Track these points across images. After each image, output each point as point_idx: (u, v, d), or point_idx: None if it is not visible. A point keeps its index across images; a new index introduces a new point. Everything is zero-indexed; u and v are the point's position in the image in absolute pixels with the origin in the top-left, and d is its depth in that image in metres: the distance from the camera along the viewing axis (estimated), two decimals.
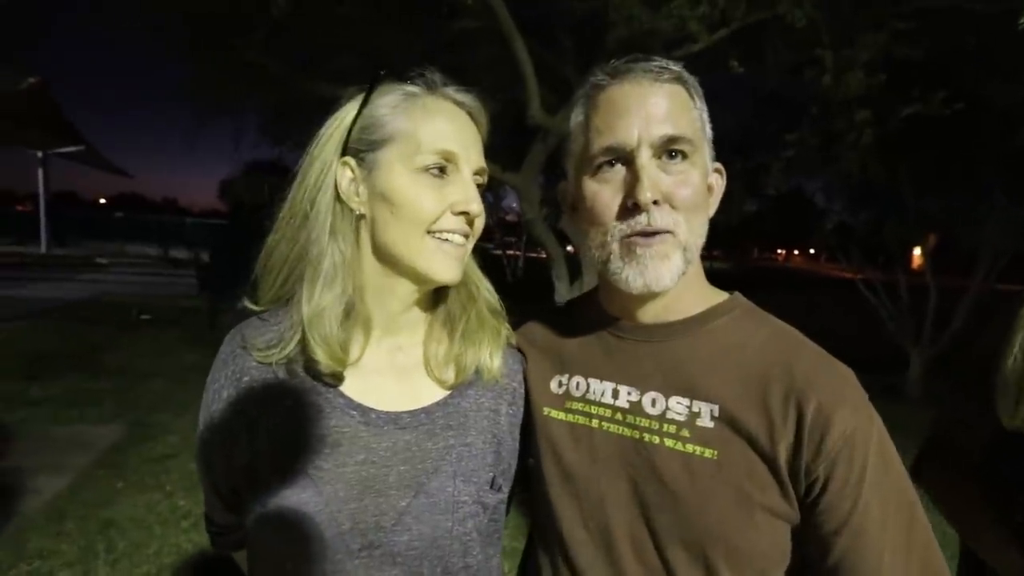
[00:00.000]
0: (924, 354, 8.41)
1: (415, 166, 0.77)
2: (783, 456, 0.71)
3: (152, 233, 24.47)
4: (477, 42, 5.29)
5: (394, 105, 0.80)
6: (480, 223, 0.83)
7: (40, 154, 17.26)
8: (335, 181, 0.80)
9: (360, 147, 0.80)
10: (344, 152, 0.80)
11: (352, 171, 0.80)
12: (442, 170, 0.79)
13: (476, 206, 0.80)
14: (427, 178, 0.78)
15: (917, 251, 9.57)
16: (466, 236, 0.82)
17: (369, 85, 0.82)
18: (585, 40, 5.34)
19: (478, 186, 0.83)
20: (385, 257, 0.81)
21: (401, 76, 0.83)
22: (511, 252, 25.19)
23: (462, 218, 0.80)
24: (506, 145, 7.26)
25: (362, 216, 0.81)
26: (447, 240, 0.80)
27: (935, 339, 8.35)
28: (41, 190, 18.07)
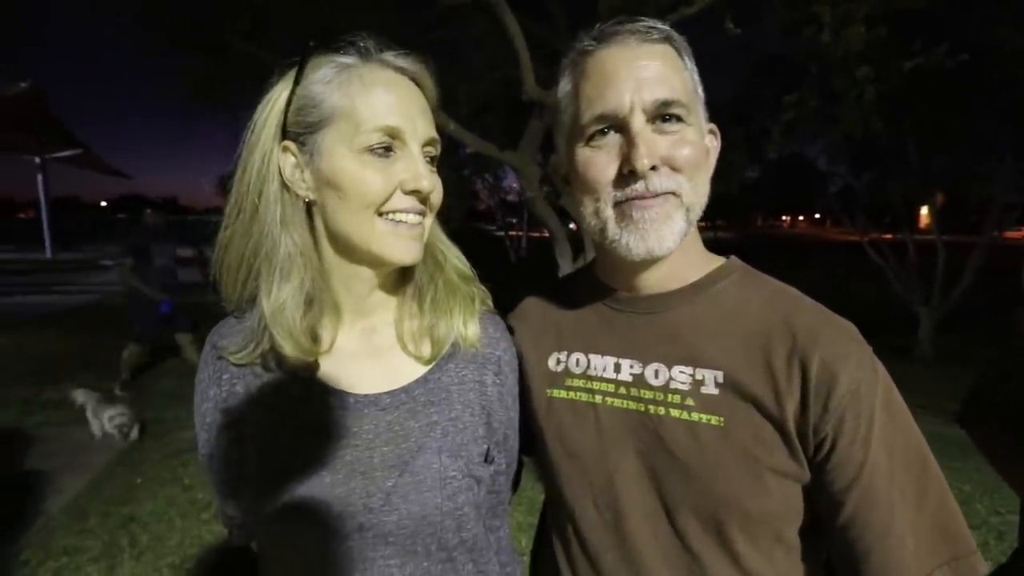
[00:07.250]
0: (933, 313, 8.36)
1: (357, 147, 0.73)
2: (791, 417, 0.70)
3: None
4: (467, 18, 5.20)
5: (328, 80, 0.74)
6: (436, 198, 0.79)
7: (38, 159, 17.27)
8: (279, 169, 0.76)
9: (299, 130, 0.75)
10: (284, 136, 0.76)
11: (294, 156, 0.76)
12: (387, 148, 0.74)
13: (426, 182, 0.75)
14: (371, 158, 0.73)
15: (924, 210, 9.47)
16: (422, 214, 0.78)
17: (300, 59, 0.76)
18: (577, 11, 5.23)
19: (431, 158, 0.79)
20: (341, 243, 0.78)
21: (334, 46, 0.77)
22: (513, 233, 25.00)
23: (414, 197, 0.76)
24: (502, 123, 7.18)
25: (313, 202, 0.77)
26: (400, 221, 0.76)
27: (944, 298, 8.29)
28: (42, 195, 18.11)
